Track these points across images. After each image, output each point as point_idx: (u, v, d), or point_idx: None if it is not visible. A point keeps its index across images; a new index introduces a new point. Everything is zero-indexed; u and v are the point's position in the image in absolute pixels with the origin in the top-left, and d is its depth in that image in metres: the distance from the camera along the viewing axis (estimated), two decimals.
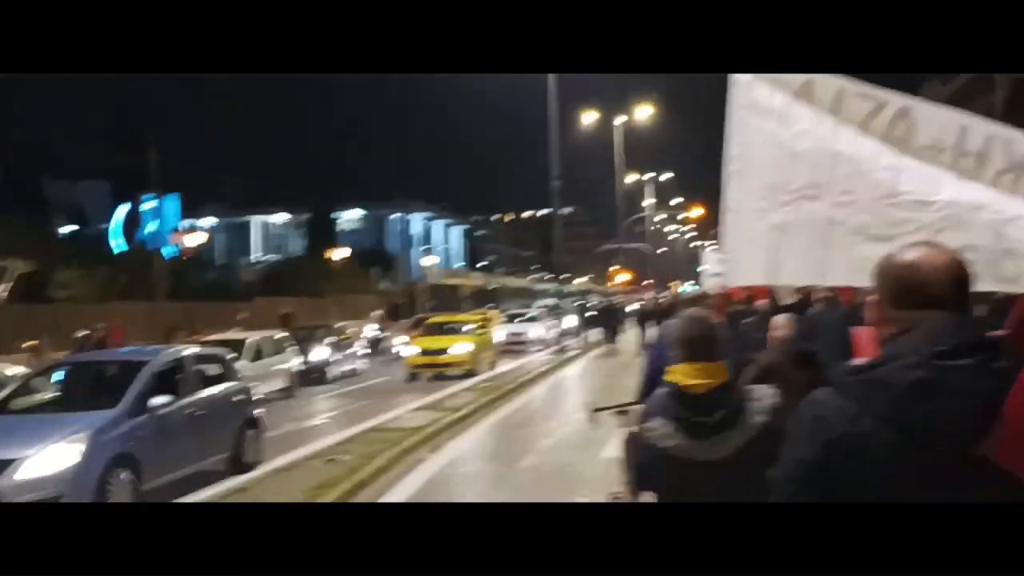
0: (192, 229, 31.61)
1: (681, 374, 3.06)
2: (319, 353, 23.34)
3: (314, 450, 11.90)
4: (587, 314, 37.68)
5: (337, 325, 27.71)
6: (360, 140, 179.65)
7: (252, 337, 20.12)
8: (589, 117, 45.95)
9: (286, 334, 22.15)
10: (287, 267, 50.87)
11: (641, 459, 3.21)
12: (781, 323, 6.13)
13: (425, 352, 23.23)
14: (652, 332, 29.43)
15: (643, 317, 29.99)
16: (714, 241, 73.83)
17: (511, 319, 35.95)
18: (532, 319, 35.72)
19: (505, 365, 25.27)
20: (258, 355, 19.31)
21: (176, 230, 30.36)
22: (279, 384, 19.38)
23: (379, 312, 36.76)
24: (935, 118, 4.74)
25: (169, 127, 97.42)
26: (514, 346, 31.73)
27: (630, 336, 33.21)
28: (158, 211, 39.43)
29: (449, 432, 13.38)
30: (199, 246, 33.95)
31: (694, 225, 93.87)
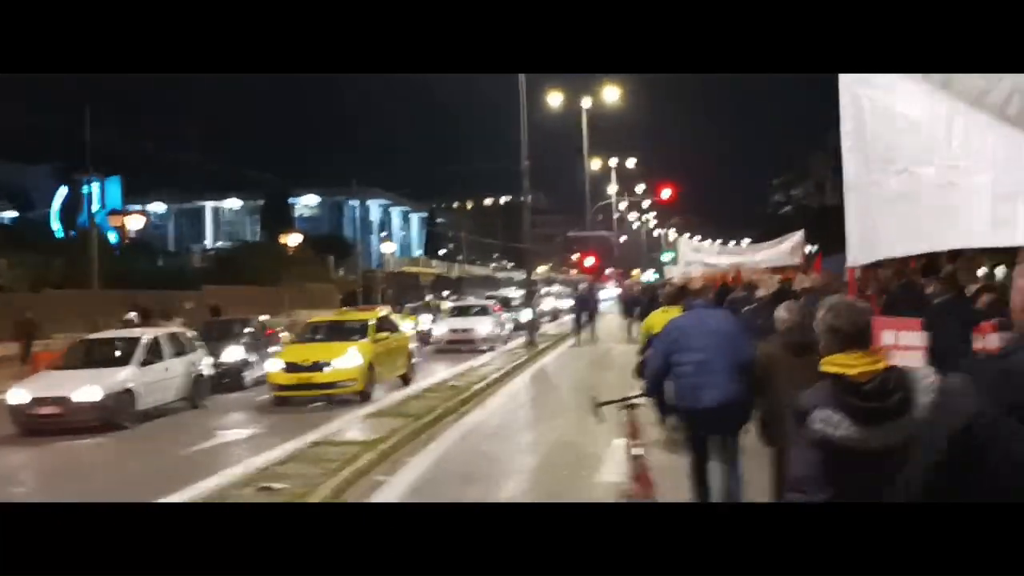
0: (132, 212, 29.51)
1: (843, 364, 3.00)
2: (233, 353, 19.11)
3: (240, 475, 9.61)
4: (544, 303, 35.33)
5: (260, 318, 22.83)
6: (316, 124, 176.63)
7: (146, 335, 16.21)
8: (553, 99, 44.37)
9: (191, 331, 18.39)
10: (239, 254, 48.91)
11: (809, 454, 3.03)
12: (782, 312, 6.14)
13: (292, 367, 16.26)
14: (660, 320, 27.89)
15: (630, 304, 29.09)
16: (677, 231, 72.98)
17: (455, 313, 30.17)
18: (480, 312, 29.67)
19: (439, 373, 19.70)
20: (155, 357, 15.63)
21: (115, 212, 28.39)
22: (178, 392, 16.02)
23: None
24: None
25: (118, 107, 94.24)
26: (459, 345, 26.87)
27: (608, 323, 32.10)
28: (99, 194, 37.33)
29: (409, 446, 11.32)
30: (140, 230, 31.78)
31: (657, 213, 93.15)
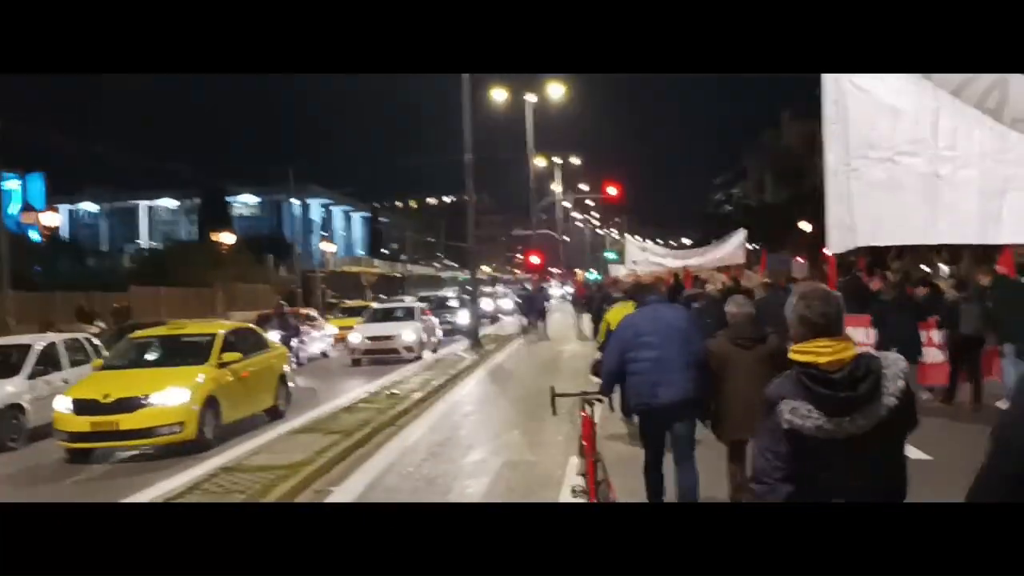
0: (47, 209, 27.58)
1: (813, 352, 2.92)
2: None
3: (146, 502, 8.37)
4: (483, 304, 32.97)
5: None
6: (257, 122, 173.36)
7: (40, 342, 13.93)
8: (497, 95, 43.46)
9: (94, 339, 16.08)
10: (170, 254, 46.96)
11: (775, 445, 2.93)
12: (731, 307, 6.25)
13: (86, 407, 11.28)
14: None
15: (583, 302, 29.11)
16: (619, 232, 72.50)
17: (375, 317, 25.59)
18: (406, 316, 25.21)
19: (344, 394, 16.31)
20: (50, 366, 13.53)
21: (28, 209, 26.46)
22: None
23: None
24: (1019, 94, 4.69)
25: (47, 102, 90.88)
26: (378, 355, 23.03)
27: (556, 322, 31.44)
28: (20, 191, 35.37)
29: (341, 467, 9.96)
30: (55, 228, 29.79)
31: (601, 212, 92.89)
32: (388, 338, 23.44)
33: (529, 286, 34.91)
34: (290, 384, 14.89)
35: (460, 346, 25.54)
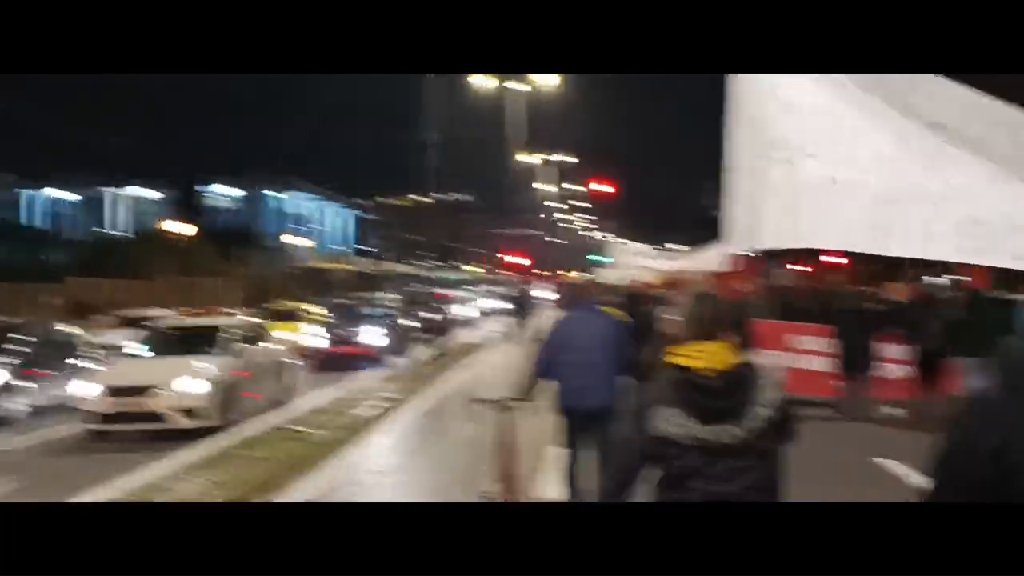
0: None
1: (689, 356, 2.90)
2: None
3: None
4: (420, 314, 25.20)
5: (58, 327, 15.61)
6: (235, 112, 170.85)
7: None
8: (485, 85, 40.94)
9: None
10: (123, 244, 43.93)
11: (644, 452, 2.91)
12: (666, 316, 6.57)
13: None
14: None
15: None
16: (607, 235, 70.32)
17: (152, 346, 13.25)
18: (202, 346, 12.78)
19: None
20: None
21: None
22: None
23: None
24: (939, 95, 4.48)
25: (21, 84, 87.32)
26: (130, 424, 11.49)
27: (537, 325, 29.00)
28: None
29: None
30: None
31: (591, 215, 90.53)
32: (143, 391, 11.52)
33: (520, 288, 32.70)
34: None
35: (373, 373, 18.26)
